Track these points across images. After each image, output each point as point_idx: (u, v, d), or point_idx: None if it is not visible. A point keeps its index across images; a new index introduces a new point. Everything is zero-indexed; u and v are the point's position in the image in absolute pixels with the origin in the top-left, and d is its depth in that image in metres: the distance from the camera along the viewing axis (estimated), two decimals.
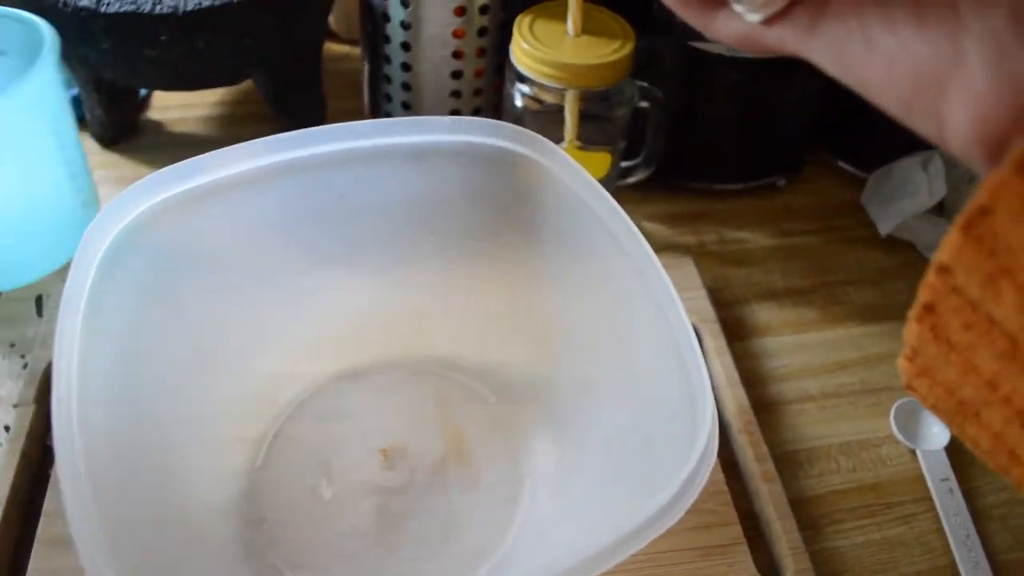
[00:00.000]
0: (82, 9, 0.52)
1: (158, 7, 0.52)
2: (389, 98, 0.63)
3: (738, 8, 0.29)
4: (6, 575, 0.42)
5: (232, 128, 0.69)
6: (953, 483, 0.49)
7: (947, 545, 0.47)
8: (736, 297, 0.59)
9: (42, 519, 0.42)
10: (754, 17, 0.29)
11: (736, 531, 0.45)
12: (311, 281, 0.46)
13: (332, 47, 0.77)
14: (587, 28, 0.53)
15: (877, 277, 0.62)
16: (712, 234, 0.63)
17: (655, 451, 0.37)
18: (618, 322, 0.42)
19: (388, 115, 0.64)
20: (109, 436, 0.34)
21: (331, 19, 0.75)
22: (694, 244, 0.63)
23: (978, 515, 0.48)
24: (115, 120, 0.65)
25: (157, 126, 0.69)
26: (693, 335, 0.36)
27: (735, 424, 0.50)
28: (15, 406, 0.47)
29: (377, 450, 0.45)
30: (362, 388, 0.48)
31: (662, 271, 0.38)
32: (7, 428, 0.47)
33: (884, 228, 0.62)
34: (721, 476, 0.47)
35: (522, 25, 0.54)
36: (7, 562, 0.42)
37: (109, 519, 0.30)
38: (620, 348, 0.42)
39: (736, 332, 0.57)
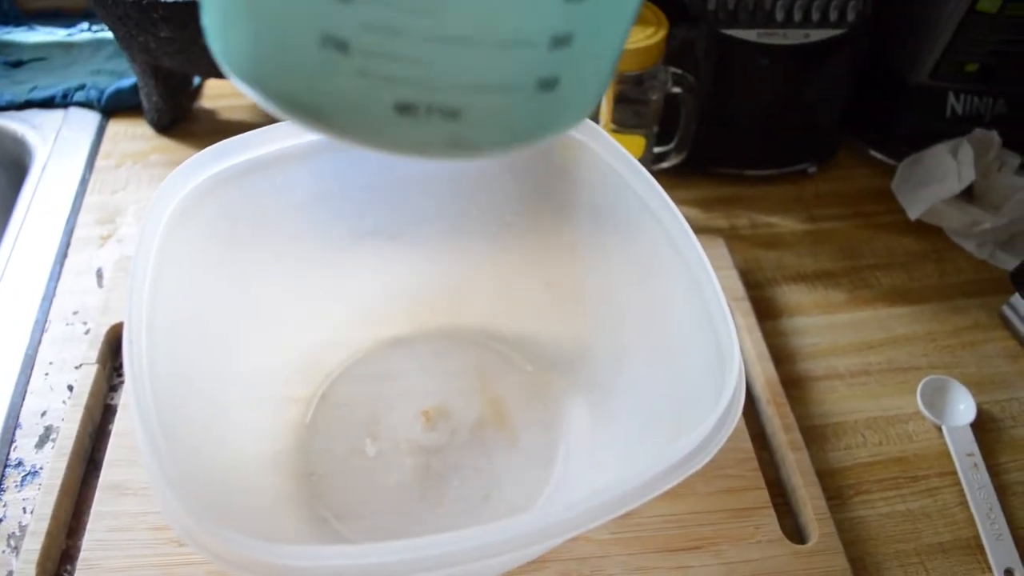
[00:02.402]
0: None
1: None
2: None
3: None
4: (69, 518, 0.44)
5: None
6: (978, 458, 0.50)
7: (971, 518, 0.48)
8: (767, 279, 0.61)
9: (103, 468, 0.45)
10: None
11: (763, 496, 0.46)
12: (358, 252, 0.48)
13: None
14: None
15: (906, 261, 0.63)
16: (744, 218, 0.65)
17: (685, 415, 0.39)
18: (653, 293, 0.44)
19: None
20: (172, 385, 0.37)
21: None
22: (726, 228, 0.64)
23: (1002, 490, 0.49)
24: (170, 107, 0.68)
25: (209, 113, 0.72)
26: (726, 304, 0.37)
27: (764, 397, 0.51)
28: (78, 367, 0.50)
29: (419, 411, 0.47)
30: (406, 354, 0.50)
31: (697, 244, 0.40)
32: (71, 387, 0.50)
33: (913, 213, 0.63)
34: (749, 444, 0.48)
35: None
36: (71, 507, 0.45)
37: (175, 463, 0.33)
38: (654, 318, 0.44)
39: (767, 312, 0.58)
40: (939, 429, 0.52)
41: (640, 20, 0.55)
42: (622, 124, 0.57)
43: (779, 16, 0.59)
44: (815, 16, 0.59)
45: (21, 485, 0.46)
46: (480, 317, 0.52)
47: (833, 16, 0.59)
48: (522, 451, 0.47)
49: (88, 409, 0.48)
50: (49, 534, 0.42)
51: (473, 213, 0.48)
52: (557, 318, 0.50)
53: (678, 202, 0.65)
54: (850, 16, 0.59)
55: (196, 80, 0.73)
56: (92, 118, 0.69)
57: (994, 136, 0.64)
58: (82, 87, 0.70)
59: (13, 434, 0.48)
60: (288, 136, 0.44)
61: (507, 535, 0.30)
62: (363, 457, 0.46)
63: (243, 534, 0.30)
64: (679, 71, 0.58)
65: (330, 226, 0.47)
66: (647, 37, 0.54)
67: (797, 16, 0.59)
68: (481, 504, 0.44)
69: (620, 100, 0.56)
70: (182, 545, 0.42)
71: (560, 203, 0.47)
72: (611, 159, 0.44)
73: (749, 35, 0.59)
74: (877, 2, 0.60)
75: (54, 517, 0.43)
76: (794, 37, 0.59)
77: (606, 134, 0.44)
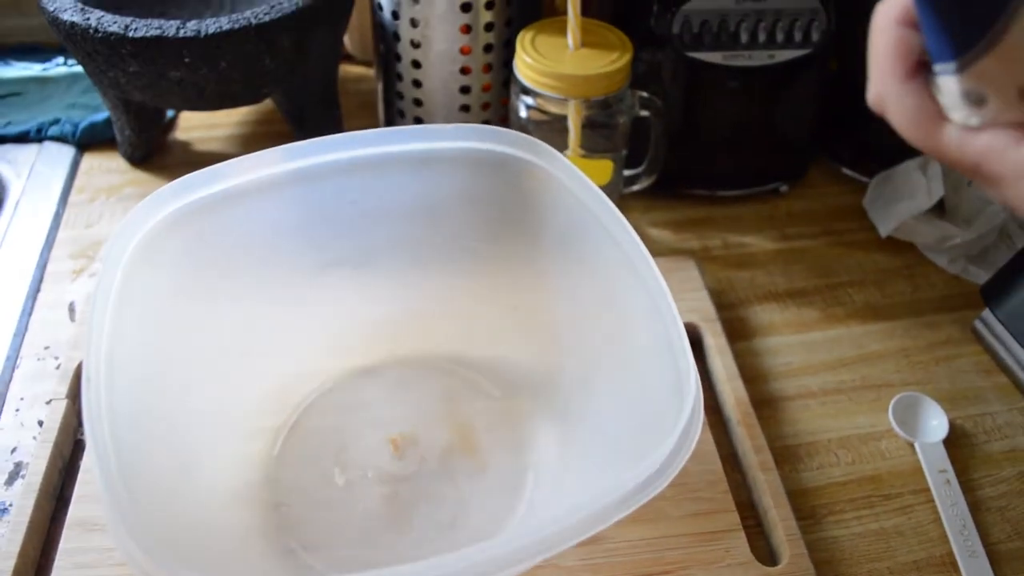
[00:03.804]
0: (111, 35, 0.55)
1: (182, 31, 0.55)
2: (402, 114, 0.66)
3: (957, 115, 0.29)
4: (38, 555, 0.44)
5: (254, 146, 0.71)
6: (951, 475, 0.50)
7: (944, 535, 0.48)
8: (740, 299, 0.61)
9: (72, 505, 0.45)
10: (973, 120, 0.29)
11: (733, 518, 0.46)
12: (325, 282, 0.49)
13: (348, 68, 0.80)
14: (586, 41, 0.56)
15: (878, 278, 0.63)
16: (716, 239, 0.65)
17: (648, 439, 0.39)
18: (616, 318, 0.44)
19: None
20: (134, 421, 0.37)
21: (347, 42, 0.78)
22: (698, 248, 0.64)
23: (975, 506, 0.49)
24: (144, 140, 0.68)
25: (183, 145, 0.72)
26: (683, 328, 0.38)
27: (734, 417, 0.51)
28: (48, 402, 0.50)
29: (388, 440, 0.47)
30: (374, 383, 0.51)
31: (653, 264, 0.40)
32: (40, 423, 0.50)
33: (884, 229, 0.64)
34: (719, 466, 0.48)
35: (525, 40, 0.56)
36: (40, 544, 0.45)
37: (135, 498, 0.33)
38: (617, 342, 0.44)
39: (740, 332, 0.58)
40: (912, 446, 0.52)
41: (605, 45, 0.56)
42: (590, 149, 0.57)
43: (744, 38, 0.59)
44: (779, 37, 0.60)
45: None
46: (447, 344, 0.52)
47: (797, 37, 0.60)
48: (490, 477, 0.46)
49: (57, 445, 0.47)
50: (16, 572, 0.42)
51: (437, 241, 0.49)
52: (524, 343, 0.50)
53: (651, 224, 0.66)
54: (814, 36, 0.60)
55: (170, 113, 0.73)
56: (67, 152, 0.70)
57: None
58: (56, 121, 0.71)
59: None
60: (253, 168, 0.44)
61: (467, 563, 0.30)
62: (332, 487, 0.46)
63: (201, 572, 0.30)
64: (646, 94, 0.58)
65: (296, 257, 0.48)
66: (612, 62, 0.55)
67: (761, 38, 0.59)
68: (448, 531, 0.44)
69: (588, 125, 0.56)
70: None
71: (524, 229, 0.48)
72: (572, 184, 0.45)
73: (715, 58, 0.60)
74: (841, 21, 0.61)
75: (21, 555, 0.43)
76: (759, 59, 0.60)
77: (566, 160, 0.45)
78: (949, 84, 0.29)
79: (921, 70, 0.30)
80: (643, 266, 0.40)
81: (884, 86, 0.31)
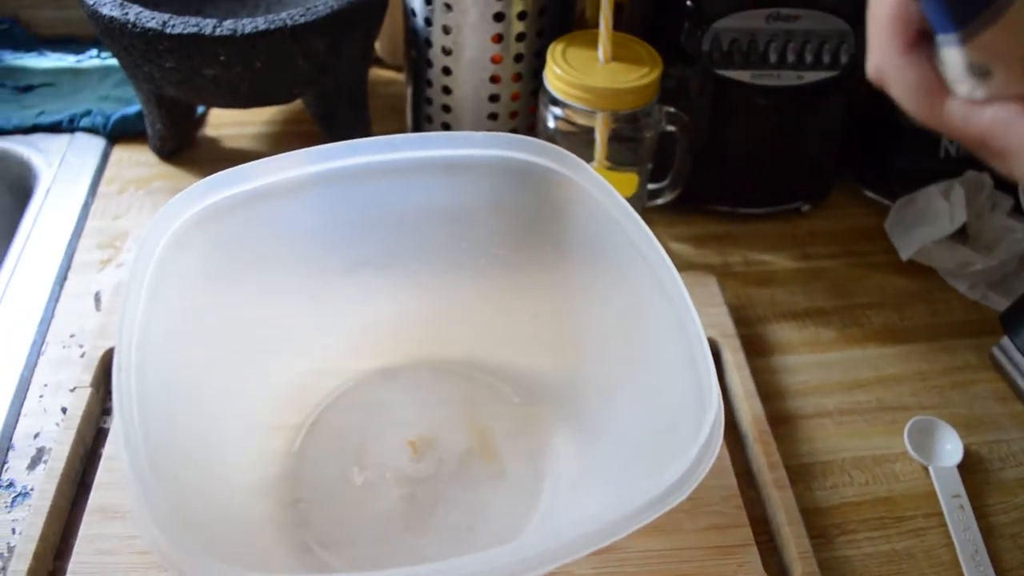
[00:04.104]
0: (149, 30, 0.56)
1: (218, 29, 0.56)
2: (430, 119, 0.67)
3: (962, 88, 0.29)
4: (58, 540, 0.45)
5: (282, 145, 0.73)
6: (964, 500, 0.50)
7: (956, 559, 0.48)
8: (759, 316, 0.61)
9: (93, 491, 0.45)
10: (978, 93, 0.28)
11: (747, 533, 0.46)
12: (349, 284, 0.49)
13: (378, 72, 0.81)
14: (617, 55, 0.56)
15: (897, 301, 0.63)
16: (737, 255, 0.66)
17: (667, 451, 0.39)
18: (637, 328, 0.45)
19: None
20: (161, 411, 0.37)
21: (377, 46, 0.79)
22: (719, 264, 0.65)
23: (988, 532, 0.49)
24: (174, 135, 0.69)
25: (212, 142, 0.73)
26: (706, 343, 0.38)
27: (751, 434, 0.51)
28: (72, 390, 0.51)
29: (407, 441, 0.48)
30: (394, 384, 0.51)
31: (678, 278, 0.40)
32: (64, 410, 0.50)
33: (905, 253, 0.64)
34: (734, 481, 0.49)
35: (555, 52, 0.57)
36: (60, 529, 0.45)
37: (160, 487, 0.33)
38: (638, 352, 0.45)
39: (758, 349, 0.58)
40: (926, 470, 0.52)
41: (635, 60, 0.57)
42: (616, 161, 0.57)
43: (772, 58, 0.60)
44: (808, 58, 0.60)
45: (11, 506, 0.46)
46: (468, 349, 0.52)
47: (826, 59, 0.60)
48: (508, 483, 0.47)
49: (80, 432, 0.48)
50: (36, 556, 0.43)
51: (462, 247, 0.49)
52: (544, 351, 0.50)
53: (673, 238, 0.67)
54: (843, 58, 0.60)
55: (200, 108, 0.74)
56: (97, 143, 0.70)
57: (986, 178, 0.65)
58: (88, 113, 0.72)
59: (6, 455, 0.49)
60: (283, 168, 0.45)
61: (485, 567, 0.30)
62: (350, 485, 0.46)
63: (222, 561, 0.30)
64: (673, 110, 0.58)
65: (321, 258, 0.48)
66: (641, 77, 0.55)
67: (790, 58, 0.60)
68: (465, 535, 0.44)
69: (614, 138, 0.56)
70: (164, 571, 0.42)
71: (549, 238, 0.48)
72: (599, 195, 0.45)
73: (743, 76, 0.60)
74: None
75: (42, 539, 0.43)
76: (788, 79, 0.60)
77: (593, 171, 0.45)
78: (953, 56, 0.28)
79: (922, 41, 0.29)
80: (668, 280, 0.41)
81: (884, 59, 0.30)
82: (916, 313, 0.62)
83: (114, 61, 0.79)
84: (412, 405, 0.50)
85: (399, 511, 0.45)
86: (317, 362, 0.50)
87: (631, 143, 0.58)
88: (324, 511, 0.45)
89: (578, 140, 0.57)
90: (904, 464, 0.53)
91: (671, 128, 0.59)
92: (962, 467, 0.52)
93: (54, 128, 0.71)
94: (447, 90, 0.64)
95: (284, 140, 0.74)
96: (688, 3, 0.59)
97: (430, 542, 0.44)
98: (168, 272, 0.41)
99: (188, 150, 0.71)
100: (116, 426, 0.34)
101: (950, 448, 0.53)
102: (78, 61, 0.79)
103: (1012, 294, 0.60)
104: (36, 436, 0.50)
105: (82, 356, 0.54)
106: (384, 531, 0.44)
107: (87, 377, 0.51)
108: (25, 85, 0.76)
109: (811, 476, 0.51)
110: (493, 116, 0.65)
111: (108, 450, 0.48)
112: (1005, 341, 0.57)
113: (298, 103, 0.74)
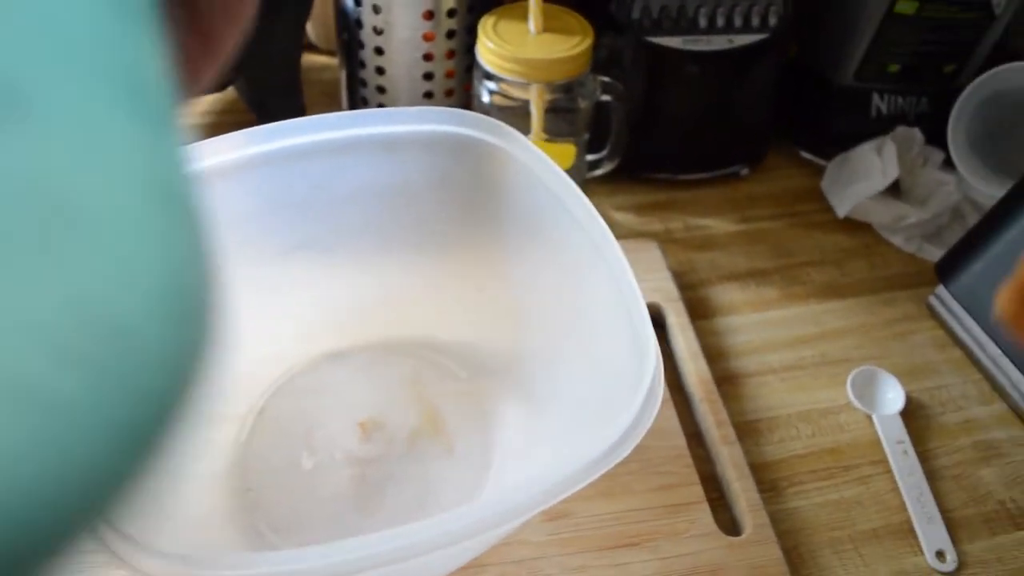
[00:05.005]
0: None
1: None
2: (365, 101, 0.66)
3: None
4: None
5: (217, 135, 0.72)
6: (908, 445, 0.52)
7: (902, 504, 0.49)
8: (701, 279, 0.62)
9: None
10: None
11: (697, 491, 0.47)
12: (290, 266, 0.49)
13: (311, 58, 0.80)
14: (547, 26, 0.56)
15: (837, 257, 0.64)
16: (678, 222, 0.66)
17: (613, 408, 0.39)
18: (578, 296, 0.45)
19: None
20: None
21: (310, 30, 0.78)
22: (661, 231, 0.65)
23: (931, 475, 0.51)
24: None
25: None
26: (641, 297, 0.38)
27: (697, 394, 0.52)
28: None
29: (356, 423, 0.48)
30: (341, 367, 0.51)
31: (615, 243, 0.41)
32: None
33: (842, 210, 0.65)
34: (683, 441, 0.49)
35: (487, 26, 0.57)
36: None
37: None
38: (580, 319, 0.45)
39: (702, 312, 0.59)
40: (870, 418, 0.53)
41: (566, 30, 0.57)
42: (553, 133, 0.58)
43: (702, 23, 0.60)
44: (737, 22, 0.61)
45: None
46: (414, 327, 0.52)
47: (755, 22, 0.61)
48: (458, 458, 0.47)
49: None
50: None
51: (403, 224, 0.49)
52: (490, 325, 0.51)
53: (614, 208, 0.67)
54: (772, 21, 0.61)
55: None
56: None
57: (916, 133, 0.66)
58: None
59: None
60: (216, 152, 0.44)
61: (432, 533, 0.30)
62: (300, 470, 0.46)
63: (169, 550, 0.30)
64: (607, 79, 0.59)
65: (261, 241, 0.47)
66: (573, 46, 0.55)
67: (720, 22, 0.60)
68: (416, 512, 0.44)
69: (550, 109, 0.56)
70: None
71: (489, 212, 0.48)
72: (536, 167, 0.45)
73: (674, 43, 0.60)
74: (799, 6, 0.62)
75: None
76: (718, 43, 0.61)
77: (529, 142, 0.45)
78: None
79: None
80: (605, 246, 0.41)
81: None
82: (855, 268, 0.63)
83: None
84: (359, 387, 0.50)
85: (350, 492, 0.45)
86: (262, 349, 0.49)
87: (567, 114, 0.58)
88: (275, 497, 0.45)
89: (514, 113, 0.57)
90: (848, 415, 0.54)
91: (606, 97, 0.59)
92: (904, 414, 0.53)
93: None
94: (380, 70, 0.64)
95: (218, 130, 0.71)
96: None
97: (382, 520, 0.44)
98: None
99: None
100: None
101: (892, 396, 0.54)
102: None
103: (946, 245, 0.62)
104: None
105: None
106: (335, 512, 0.44)
107: None
108: None
109: (758, 432, 0.52)
110: (428, 95, 0.65)
111: None
112: (941, 290, 0.59)
113: (231, 92, 0.73)
